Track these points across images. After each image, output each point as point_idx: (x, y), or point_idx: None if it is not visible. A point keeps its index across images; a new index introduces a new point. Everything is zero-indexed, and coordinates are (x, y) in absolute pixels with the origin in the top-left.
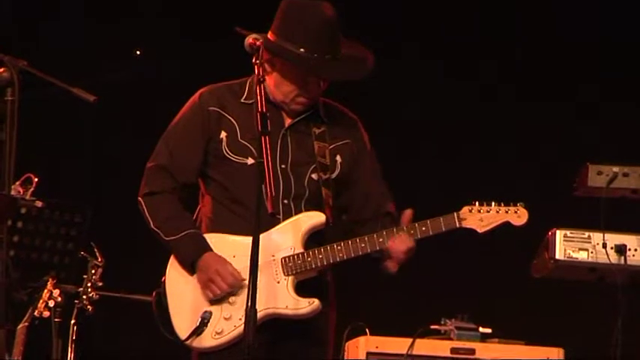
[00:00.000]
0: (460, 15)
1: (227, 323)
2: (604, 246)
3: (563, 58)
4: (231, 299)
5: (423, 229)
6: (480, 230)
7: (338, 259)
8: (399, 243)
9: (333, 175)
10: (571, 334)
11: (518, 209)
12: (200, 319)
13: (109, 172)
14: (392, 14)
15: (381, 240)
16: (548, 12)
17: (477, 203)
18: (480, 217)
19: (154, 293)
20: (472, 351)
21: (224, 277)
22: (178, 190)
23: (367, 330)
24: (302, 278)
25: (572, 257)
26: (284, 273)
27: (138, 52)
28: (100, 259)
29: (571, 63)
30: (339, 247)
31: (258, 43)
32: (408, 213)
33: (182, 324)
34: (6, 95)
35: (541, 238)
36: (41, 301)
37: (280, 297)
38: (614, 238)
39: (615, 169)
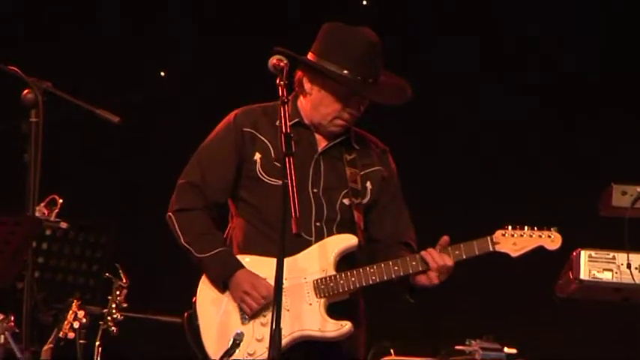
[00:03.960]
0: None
1: (259, 344)
2: (628, 266)
3: (582, 85)
4: (263, 320)
5: (457, 252)
6: (514, 254)
7: (371, 282)
8: (439, 259)
9: (364, 201)
10: (595, 354)
11: (552, 233)
12: (232, 340)
13: (133, 192)
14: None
15: (414, 263)
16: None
17: (510, 227)
18: (514, 242)
19: (185, 314)
20: None
21: (259, 289)
22: (209, 209)
23: (392, 351)
24: (334, 300)
25: (596, 277)
26: (316, 295)
27: (162, 74)
28: (124, 280)
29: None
30: (371, 270)
31: (282, 63)
32: (444, 239)
33: (214, 345)
34: (30, 116)
35: (566, 258)
36: (66, 322)
37: (311, 319)
38: (638, 259)
39: None
